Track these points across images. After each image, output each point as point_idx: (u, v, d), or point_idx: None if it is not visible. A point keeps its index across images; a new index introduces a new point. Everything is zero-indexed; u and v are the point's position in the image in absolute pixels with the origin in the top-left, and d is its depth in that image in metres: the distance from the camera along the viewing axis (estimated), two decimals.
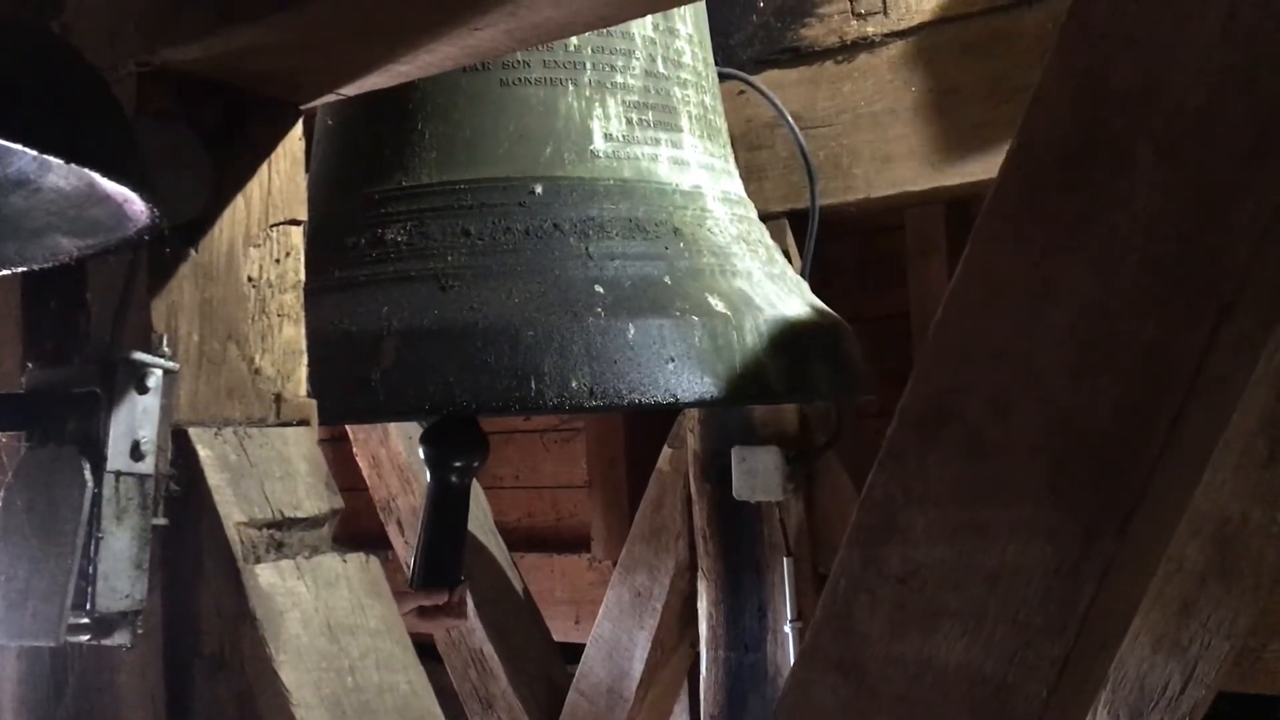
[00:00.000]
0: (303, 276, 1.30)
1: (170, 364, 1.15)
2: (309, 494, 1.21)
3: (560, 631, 3.30)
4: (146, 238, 1.02)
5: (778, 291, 1.79)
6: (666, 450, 2.73)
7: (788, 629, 2.50)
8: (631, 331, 1.57)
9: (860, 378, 1.87)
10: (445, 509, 2.09)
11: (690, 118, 1.85)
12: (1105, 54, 0.78)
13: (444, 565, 2.09)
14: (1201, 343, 0.73)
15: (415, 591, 2.07)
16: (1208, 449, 0.84)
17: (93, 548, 1.06)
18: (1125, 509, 0.75)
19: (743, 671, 2.58)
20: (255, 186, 1.26)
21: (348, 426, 3.26)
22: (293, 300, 1.28)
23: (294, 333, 1.28)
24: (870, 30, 2.44)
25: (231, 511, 1.14)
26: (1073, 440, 0.77)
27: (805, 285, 1.98)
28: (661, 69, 1.82)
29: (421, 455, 2.12)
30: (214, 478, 1.15)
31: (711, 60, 1.99)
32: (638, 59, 1.79)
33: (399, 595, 2.07)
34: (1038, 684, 0.77)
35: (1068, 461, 0.77)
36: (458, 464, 2.07)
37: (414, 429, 3.15)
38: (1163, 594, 1.35)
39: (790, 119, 2.48)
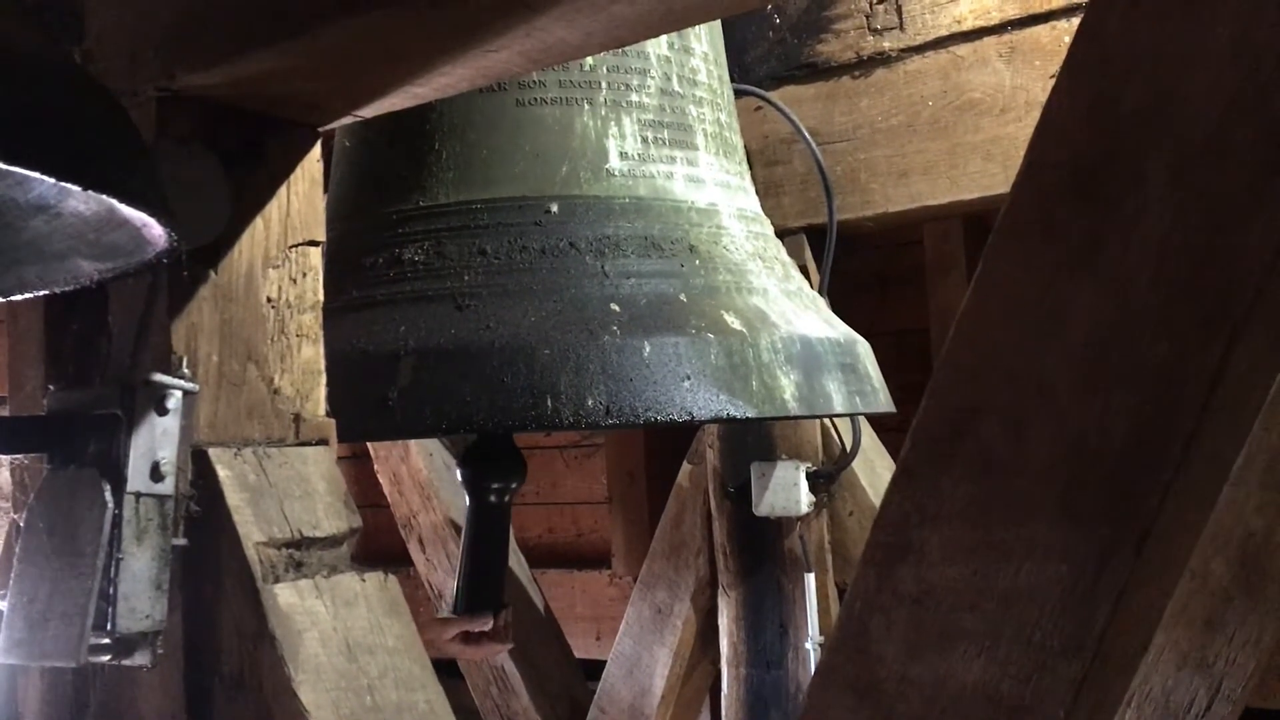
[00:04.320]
0: (321, 297, 1.31)
1: (190, 385, 1.16)
2: (328, 513, 1.22)
3: (581, 648, 3.30)
4: (165, 261, 1.03)
5: (794, 308, 1.79)
6: (686, 466, 2.73)
7: (809, 646, 2.49)
8: (647, 349, 1.57)
9: (877, 394, 1.86)
10: (485, 531, 2.08)
11: (706, 135, 1.86)
12: (1116, 73, 0.78)
13: (487, 589, 2.08)
14: (1215, 361, 0.72)
15: (459, 618, 2.06)
16: (1225, 467, 0.83)
17: (113, 568, 1.07)
18: (1141, 528, 0.75)
19: (764, 689, 2.57)
20: (274, 208, 1.27)
21: (368, 444, 3.27)
22: (311, 320, 1.29)
23: (313, 353, 1.29)
24: (886, 45, 2.44)
25: (251, 531, 1.15)
26: (1086, 459, 0.77)
27: (822, 301, 1.98)
28: (677, 87, 1.83)
29: (459, 478, 2.12)
30: (233, 498, 1.15)
31: (727, 77, 2.00)
32: (653, 78, 1.80)
33: (443, 622, 2.06)
34: (1055, 705, 0.76)
35: (1082, 481, 0.77)
36: (496, 485, 2.07)
37: (435, 446, 3.16)
38: (1187, 610, 1.34)
39: (807, 134, 2.48)
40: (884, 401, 1.88)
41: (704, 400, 1.56)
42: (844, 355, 1.80)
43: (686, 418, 1.56)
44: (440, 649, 2.01)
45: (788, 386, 1.64)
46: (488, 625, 2.05)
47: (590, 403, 1.52)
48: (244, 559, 1.13)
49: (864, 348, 1.89)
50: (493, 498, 2.07)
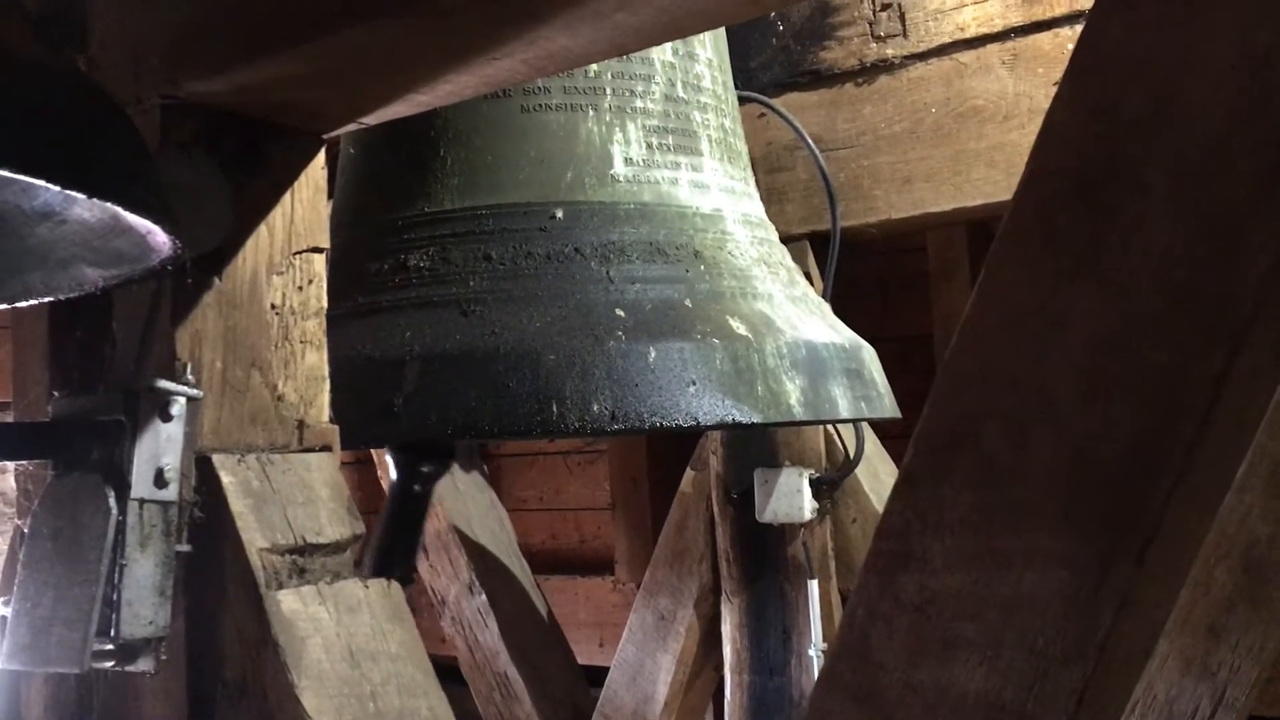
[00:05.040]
0: (325, 304, 1.31)
1: (194, 391, 1.16)
2: (331, 520, 1.22)
3: (584, 654, 3.30)
4: (169, 268, 1.03)
5: (799, 313, 1.79)
6: (689, 472, 2.73)
7: (812, 653, 2.49)
8: (652, 354, 1.57)
9: (883, 399, 1.86)
10: (407, 510, 2.12)
11: (710, 141, 1.86)
12: (1117, 81, 0.78)
13: (394, 562, 2.12)
14: (1216, 369, 0.72)
15: None
16: (1228, 474, 0.83)
17: (117, 574, 1.08)
18: (1142, 536, 0.75)
19: (767, 696, 2.56)
20: (278, 215, 1.27)
21: (372, 450, 3.27)
22: (315, 327, 1.29)
23: (316, 359, 1.29)
24: (890, 52, 2.45)
25: (254, 538, 1.15)
26: (1088, 467, 0.77)
27: (827, 307, 1.98)
28: (681, 93, 1.83)
29: (389, 460, 2.15)
30: (237, 504, 1.16)
31: (731, 84, 2.00)
32: (657, 84, 1.80)
33: None
34: (1056, 713, 0.76)
35: (1083, 488, 0.77)
36: (425, 470, 2.09)
37: None
38: (1190, 617, 1.33)
39: (810, 141, 2.49)
40: (889, 406, 1.88)
41: (709, 405, 1.56)
42: (849, 360, 1.80)
43: (692, 423, 1.56)
44: None
45: (793, 391, 1.64)
46: None
47: (595, 408, 1.52)
48: (247, 565, 1.13)
49: (869, 353, 1.89)
50: (418, 486, 2.10)
